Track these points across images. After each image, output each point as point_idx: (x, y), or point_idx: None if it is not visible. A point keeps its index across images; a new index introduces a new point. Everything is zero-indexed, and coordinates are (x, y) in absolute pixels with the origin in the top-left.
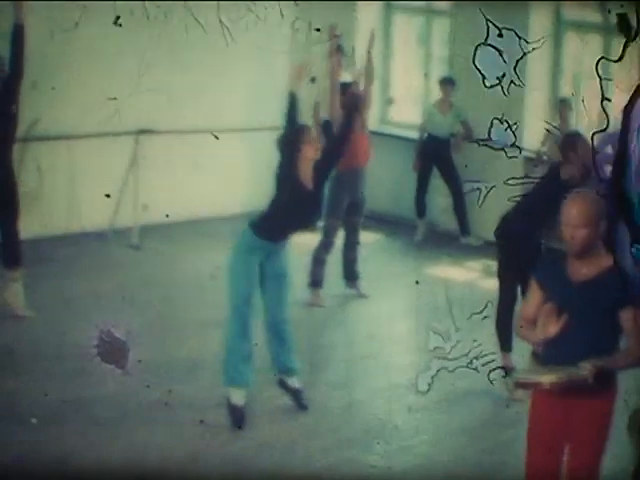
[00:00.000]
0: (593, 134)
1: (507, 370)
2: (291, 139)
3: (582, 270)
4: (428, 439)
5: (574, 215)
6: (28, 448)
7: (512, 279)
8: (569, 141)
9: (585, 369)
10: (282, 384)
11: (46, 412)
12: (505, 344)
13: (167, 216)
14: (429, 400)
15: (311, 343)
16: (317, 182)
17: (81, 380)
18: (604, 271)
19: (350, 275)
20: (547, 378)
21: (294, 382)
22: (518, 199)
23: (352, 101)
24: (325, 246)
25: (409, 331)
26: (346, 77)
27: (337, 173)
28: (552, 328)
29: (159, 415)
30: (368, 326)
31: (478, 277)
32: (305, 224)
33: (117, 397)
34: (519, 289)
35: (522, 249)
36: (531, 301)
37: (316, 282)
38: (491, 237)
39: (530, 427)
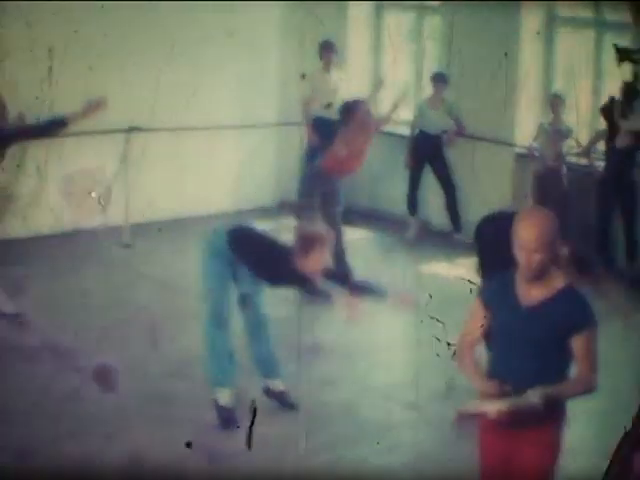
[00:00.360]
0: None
1: None
2: (304, 243)
3: (532, 293)
4: (423, 436)
5: (531, 239)
6: (25, 448)
7: None
8: None
9: (534, 397)
10: (267, 391)
11: (38, 411)
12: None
13: (159, 230)
14: (424, 397)
15: (304, 341)
16: (309, 280)
17: (71, 379)
18: (556, 294)
19: (341, 270)
20: (493, 407)
21: (278, 385)
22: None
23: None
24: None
25: (402, 328)
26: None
27: (316, 171)
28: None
29: (151, 413)
30: (361, 324)
31: (471, 273)
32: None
33: (109, 395)
34: None
35: (498, 250)
36: (473, 323)
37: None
38: None
39: (480, 459)
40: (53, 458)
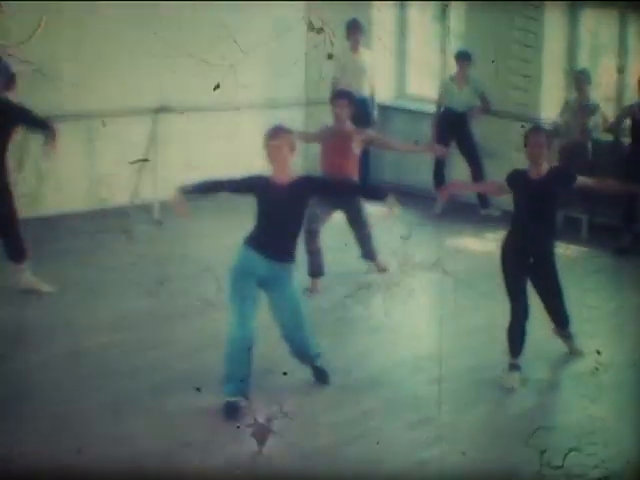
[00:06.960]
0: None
1: (513, 367)
2: None
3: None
4: (450, 409)
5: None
6: (46, 427)
7: (517, 291)
8: None
9: None
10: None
11: (64, 392)
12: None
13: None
14: (450, 371)
15: (333, 316)
16: None
17: (99, 356)
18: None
19: (367, 254)
20: None
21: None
22: None
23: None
24: (307, 236)
25: (430, 303)
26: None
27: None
28: None
29: (170, 393)
30: (390, 298)
31: (498, 248)
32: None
33: (136, 374)
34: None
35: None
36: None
37: (314, 272)
38: (510, 207)
39: None
40: (73, 437)
